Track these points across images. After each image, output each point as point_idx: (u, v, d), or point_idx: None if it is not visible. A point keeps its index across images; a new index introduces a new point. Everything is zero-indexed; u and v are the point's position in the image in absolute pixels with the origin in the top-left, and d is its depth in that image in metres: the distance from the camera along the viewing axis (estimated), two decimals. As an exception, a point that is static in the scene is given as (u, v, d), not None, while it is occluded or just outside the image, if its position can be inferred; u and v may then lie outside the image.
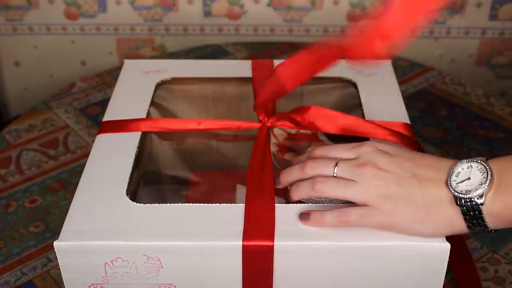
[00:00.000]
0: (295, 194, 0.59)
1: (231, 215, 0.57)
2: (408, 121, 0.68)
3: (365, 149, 0.58)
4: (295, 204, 0.59)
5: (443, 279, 0.56)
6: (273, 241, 0.54)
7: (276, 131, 0.73)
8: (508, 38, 1.31)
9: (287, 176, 0.61)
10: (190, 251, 0.55)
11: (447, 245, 0.54)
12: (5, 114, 1.46)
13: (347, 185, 0.56)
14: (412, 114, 0.92)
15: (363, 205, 0.56)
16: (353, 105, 0.76)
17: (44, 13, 1.34)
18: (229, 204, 0.59)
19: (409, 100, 0.97)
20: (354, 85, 0.77)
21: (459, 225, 0.54)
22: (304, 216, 0.57)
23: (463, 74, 1.37)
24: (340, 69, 0.79)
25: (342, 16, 1.31)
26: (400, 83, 0.73)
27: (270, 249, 0.54)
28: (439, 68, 1.14)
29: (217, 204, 0.58)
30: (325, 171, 0.58)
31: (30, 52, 1.39)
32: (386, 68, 0.79)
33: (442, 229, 0.55)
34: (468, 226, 0.54)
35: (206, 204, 0.58)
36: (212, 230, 0.56)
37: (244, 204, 0.58)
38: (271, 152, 0.74)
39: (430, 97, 0.99)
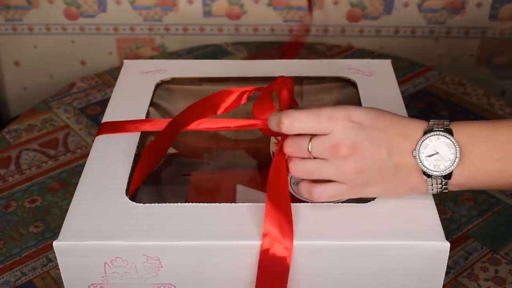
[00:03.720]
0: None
1: (231, 215, 0.57)
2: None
3: (339, 124, 0.57)
4: (295, 203, 0.59)
5: (443, 279, 0.56)
6: (292, 245, 0.55)
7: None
8: (508, 38, 1.31)
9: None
10: (190, 251, 0.55)
11: (447, 245, 0.54)
12: (5, 114, 1.46)
13: (321, 169, 0.58)
14: (412, 114, 0.91)
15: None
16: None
17: (44, 13, 1.34)
18: (229, 204, 0.59)
19: (409, 100, 0.97)
20: (354, 85, 0.77)
21: (422, 190, 0.58)
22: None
23: (463, 74, 1.37)
24: (340, 69, 0.79)
25: (342, 16, 1.31)
26: (400, 83, 0.73)
27: (288, 253, 0.55)
28: (439, 68, 1.14)
29: (217, 204, 0.58)
30: (300, 152, 0.58)
31: (30, 52, 1.39)
32: (386, 68, 0.79)
33: (404, 194, 0.58)
34: (430, 192, 0.58)
35: (206, 204, 0.58)
36: (212, 230, 0.56)
37: (244, 204, 0.58)
38: (271, 151, 0.74)
39: (430, 97, 0.99)
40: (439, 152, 0.56)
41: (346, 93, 0.79)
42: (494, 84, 1.38)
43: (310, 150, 0.57)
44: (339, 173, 0.57)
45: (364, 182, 0.57)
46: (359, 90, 0.74)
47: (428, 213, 0.57)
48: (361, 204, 0.59)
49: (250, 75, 0.78)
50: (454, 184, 0.57)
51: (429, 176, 0.56)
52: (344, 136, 0.57)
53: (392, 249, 0.55)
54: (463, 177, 0.56)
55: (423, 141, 0.56)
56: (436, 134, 0.56)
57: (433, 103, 0.97)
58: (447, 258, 0.55)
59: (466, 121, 0.58)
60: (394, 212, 0.58)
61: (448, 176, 0.56)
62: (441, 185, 0.56)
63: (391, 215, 0.57)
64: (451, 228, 0.75)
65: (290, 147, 0.59)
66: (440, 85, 1.02)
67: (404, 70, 1.06)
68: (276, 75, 0.78)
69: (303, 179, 0.60)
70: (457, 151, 0.55)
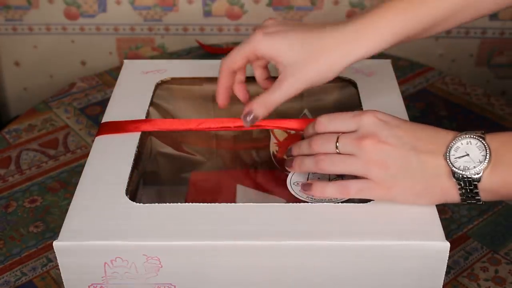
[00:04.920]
0: (298, 168, 0.62)
1: (231, 215, 0.57)
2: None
3: (366, 119, 0.59)
4: (295, 203, 0.59)
5: (443, 279, 0.56)
6: None
7: (276, 131, 0.73)
8: (508, 38, 1.31)
9: (297, 153, 0.63)
10: (190, 251, 0.55)
11: (447, 245, 0.54)
12: (5, 114, 1.47)
13: (347, 161, 0.58)
14: (412, 114, 0.91)
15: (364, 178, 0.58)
16: (353, 105, 0.76)
17: (44, 13, 1.34)
18: (229, 204, 0.59)
19: (409, 100, 0.97)
20: (354, 85, 0.77)
21: (453, 196, 0.57)
22: (306, 187, 0.60)
23: (463, 74, 1.37)
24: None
25: (342, 16, 1.31)
26: (400, 83, 0.73)
27: None
28: (439, 68, 1.14)
29: (217, 204, 0.58)
30: (328, 148, 0.60)
31: (30, 52, 1.39)
32: (386, 68, 0.79)
33: (436, 199, 0.57)
34: (462, 199, 0.56)
35: (206, 204, 0.58)
36: (212, 230, 0.56)
37: (244, 204, 0.58)
38: (271, 152, 0.74)
39: (430, 97, 0.99)
40: (469, 154, 0.55)
41: (346, 93, 0.79)
42: (494, 84, 1.38)
43: (337, 146, 0.59)
44: (363, 165, 0.57)
45: (390, 177, 0.57)
46: (359, 90, 0.74)
47: (428, 213, 0.57)
48: (361, 204, 0.59)
49: (250, 75, 0.78)
50: (486, 189, 0.55)
51: (458, 178, 0.55)
52: (368, 129, 0.58)
53: (392, 249, 0.55)
54: (494, 183, 0.55)
55: (454, 143, 0.56)
56: (468, 138, 0.56)
57: (433, 103, 0.97)
58: (447, 258, 0.55)
59: (500, 132, 0.57)
60: (394, 212, 0.58)
61: (477, 179, 0.55)
62: (471, 189, 0.55)
63: (391, 215, 0.57)
64: (451, 228, 0.75)
65: (319, 143, 0.60)
66: (440, 85, 1.02)
67: (404, 70, 1.05)
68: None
69: (321, 180, 0.61)
70: (487, 153, 0.54)
